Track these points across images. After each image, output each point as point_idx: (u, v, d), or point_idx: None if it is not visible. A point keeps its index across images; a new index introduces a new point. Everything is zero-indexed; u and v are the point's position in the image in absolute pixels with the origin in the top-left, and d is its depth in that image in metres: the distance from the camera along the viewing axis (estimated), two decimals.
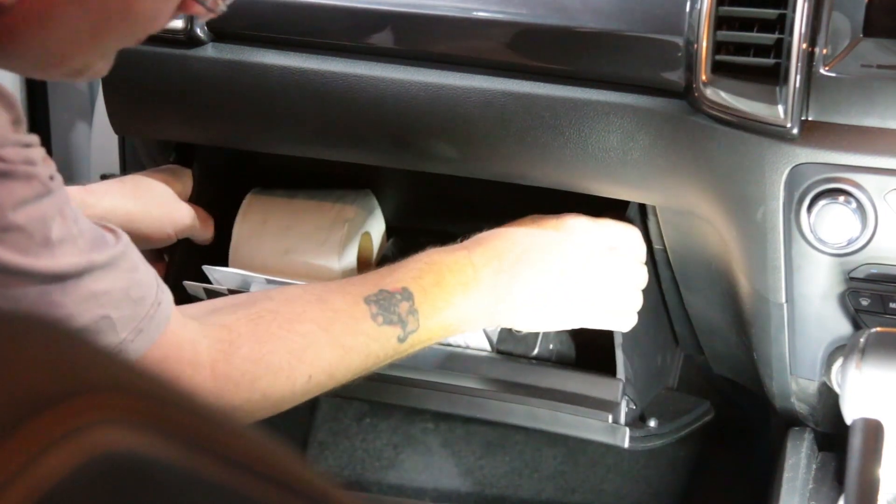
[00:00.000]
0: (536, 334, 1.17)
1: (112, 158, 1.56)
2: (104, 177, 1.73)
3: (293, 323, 0.93)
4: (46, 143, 1.77)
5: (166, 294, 0.86)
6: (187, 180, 1.28)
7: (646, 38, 1.02)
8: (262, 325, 0.92)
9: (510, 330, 1.15)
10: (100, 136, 1.72)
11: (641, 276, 1.11)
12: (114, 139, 1.48)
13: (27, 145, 0.74)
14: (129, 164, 1.49)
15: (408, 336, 0.97)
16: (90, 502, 0.27)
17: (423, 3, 1.09)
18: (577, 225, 1.09)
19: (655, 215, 1.18)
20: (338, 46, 1.13)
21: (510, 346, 1.20)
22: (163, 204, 1.22)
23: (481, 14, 1.08)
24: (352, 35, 1.12)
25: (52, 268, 0.75)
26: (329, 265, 1.25)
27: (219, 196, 1.32)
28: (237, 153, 1.30)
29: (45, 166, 0.76)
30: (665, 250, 1.22)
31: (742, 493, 1.42)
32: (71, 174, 1.82)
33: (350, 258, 1.27)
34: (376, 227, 1.34)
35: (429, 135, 1.13)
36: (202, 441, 0.30)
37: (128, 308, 0.81)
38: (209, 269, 1.21)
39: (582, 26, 1.04)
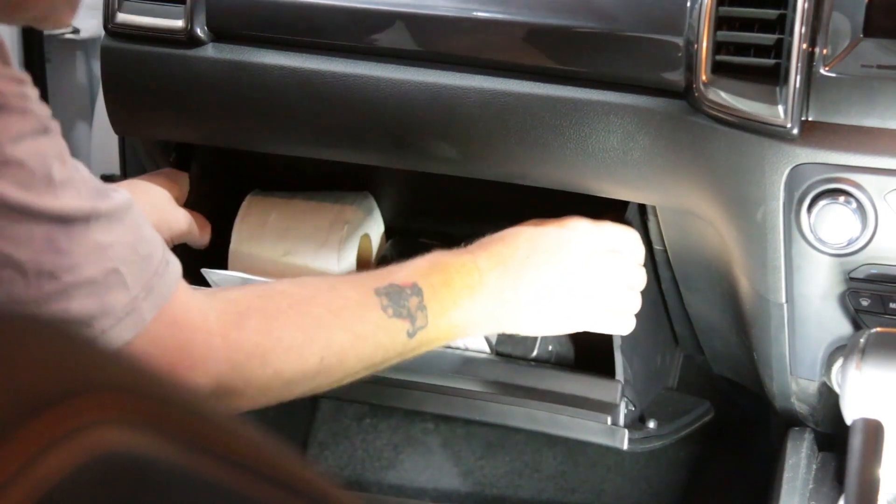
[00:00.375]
0: (535, 336, 1.17)
1: (112, 158, 1.56)
2: (104, 177, 1.73)
3: (303, 304, 0.92)
4: None
5: (173, 257, 0.85)
6: (184, 184, 1.27)
7: (646, 38, 1.02)
8: (273, 303, 0.91)
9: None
10: (100, 136, 1.73)
11: (640, 278, 1.11)
12: (114, 139, 1.48)
13: (21, 81, 0.72)
14: (129, 164, 1.49)
15: (416, 332, 0.97)
16: (90, 502, 0.27)
17: (423, 3, 1.09)
18: (578, 226, 1.09)
19: (655, 215, 1.18)
20: (338, 46, 1.13)
21: (509, 348, 1.20)
22: (158, 209, 1.21)
23: (481, 14, 1.08)
24: (352, 35, 1.12)
25: (55, 208, 0.73)
26: (328, 267, 1.25)
27: (217, 198, 1.32)
28: (236, 154, 1.30)
29: (42, 106, 0.74)
30: (665, 250, 1.22)
31: (742, 493, 1.42)
32: None
33: (349, 259, 1.27)
34: (375, 229, 1.34)
35: (429, 135, 1.13)
36: (202, 441, 0.30)
37: (136, 264, 0.79)
38: (208, 272, 1.21)
39: (582, 26, 1.04)
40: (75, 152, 1.82)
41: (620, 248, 1.10)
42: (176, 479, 0.28)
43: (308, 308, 0.92)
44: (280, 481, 0.31)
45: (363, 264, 1.30)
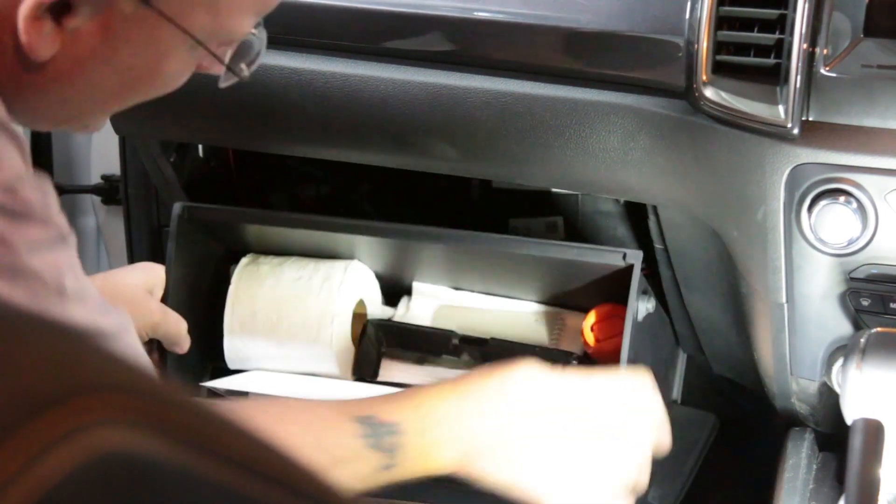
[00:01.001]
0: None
1: (112, 158, 1.56)
2: (105, 177, 1.74)
3: (281, 422, 0.89)
4: (47, 143, 1.77)
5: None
6: (160, 278, 1.23)
7: (646, 38, 1.02)
8: (248, 416, 0.90)
9: None
10: (100, 136, 1.72)
11: (644, 471, 0.96)
12: (114, 139, 1.48)
13: (44, 190, 0.72)
14: (130, 164, 1.49)
15: (389, 469, 0.91)
16: (90, 502, 0.27)
17: (423, 3, 1.09)
18: (593, 392, 0.94)
19: (656, 215, 1.18)
20: (338, 47, 1.13)
21: None
22: (130, 300, 1.16)
23: (481, 14, 1.08)
24: (352, 35, 1.12)
25: (63, 319, 0.71)
26: (324, 355, 1.24)
27: (202, 268, 1.31)
28: (218, 224, 1.29)
29: (61, 215, 0.73)
30: (665, 250, 1.22)
31: (742, 493, 1.42)
32: (71, 174, 1.82)
33: (343, 342, 1.25)
34: (370, 293, 1.31)
35: (429, 135, 1.13)
36: (202, 441, 0.30)
37: None
38: (211, 385, 1.22)
39: (582, 26, 1.04)
40: (75, 152, 1.83)
41: (637, 417, 0.94)
42: (176, 479, 0.28)
43: (286, 425, 0.88)
44: (280, 481, 0.31)
45: (360, 328, 1.28)
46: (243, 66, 0.81)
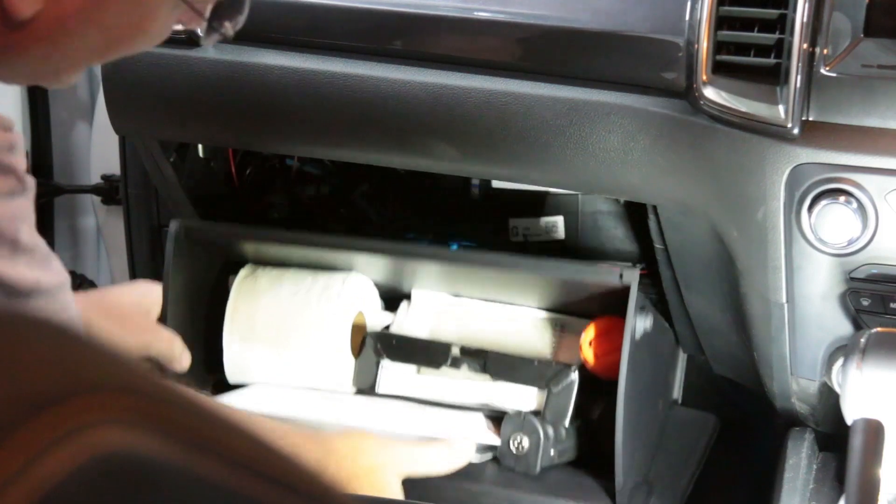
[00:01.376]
0: (536, 450, 1.14)
1: (112, 158, 1.56)
2: (104, 177, 1.74)
3: None
4: (46, 143, 1.77)
5: None
6: (155, 297, 1.22)
7: (646, 38, 1.02)
8: None
9: (509, 447, 1.14)
10: (100, 136, 1.72)
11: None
12: (114, 139, 1.48)
13: (8, 128, 0.70)
14: (130, 164, 1.49)
15: None
16: (90, 502, 0.27)
17: (423, 3, 1.09)
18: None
19: (656, 215, 1.18)
20: (338, 47, 1.13)
21: (512, 462, 1.17)
22: (124, 319, 1.17)
23: (481, 14, 1.08)
24: (352, 35, 1.12)
25: (8, 277, 0.70)
26: (323, 367, 1.24)
27: (201, 280, 1.30)
28: (214, 242, 1.28)
29: (23, 159, 0.72)
30: (665, 250, 1.22)
31: (742, 493, 1.42)
32: (71, 174, 1.82)
33: (342, 354, 1.25)
34: (369, 303, 1.30)
35: (430, 135, 1.13)
36: (202, 441, 0.30)
37: None
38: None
39: (582, 26, 1.04)
40: (75, 152, 1.83)
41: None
42: (176, 479, 0.28)
43: None
44: (280, 480, 0.31)
45: (359, 336, 1.28)
46: (227, 24, 0.80)
